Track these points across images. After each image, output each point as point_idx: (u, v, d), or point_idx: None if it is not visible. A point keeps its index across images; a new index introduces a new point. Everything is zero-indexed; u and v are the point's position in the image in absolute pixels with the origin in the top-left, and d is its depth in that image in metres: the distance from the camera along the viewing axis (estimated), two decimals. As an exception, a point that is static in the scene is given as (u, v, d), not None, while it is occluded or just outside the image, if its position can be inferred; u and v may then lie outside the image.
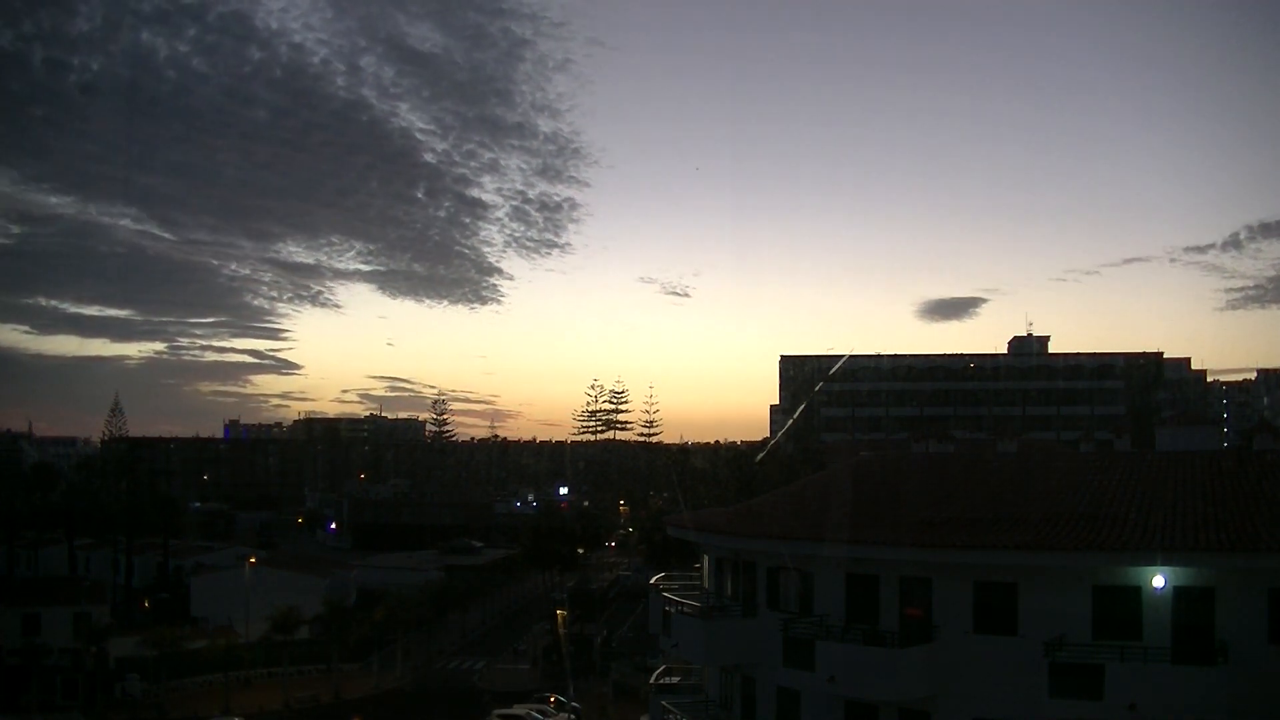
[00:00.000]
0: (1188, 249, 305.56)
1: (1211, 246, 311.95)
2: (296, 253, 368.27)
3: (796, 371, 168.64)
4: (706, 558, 40.31)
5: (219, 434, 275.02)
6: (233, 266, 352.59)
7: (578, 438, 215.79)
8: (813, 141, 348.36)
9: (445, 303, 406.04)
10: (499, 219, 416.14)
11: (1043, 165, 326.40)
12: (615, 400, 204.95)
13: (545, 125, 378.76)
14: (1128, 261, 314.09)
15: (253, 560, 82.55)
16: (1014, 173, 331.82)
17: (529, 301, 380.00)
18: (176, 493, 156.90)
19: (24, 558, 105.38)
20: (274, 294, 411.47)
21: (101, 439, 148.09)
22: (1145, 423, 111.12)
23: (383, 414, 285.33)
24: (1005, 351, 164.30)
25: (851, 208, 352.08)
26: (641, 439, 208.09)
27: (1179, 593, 26.71)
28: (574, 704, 62.12)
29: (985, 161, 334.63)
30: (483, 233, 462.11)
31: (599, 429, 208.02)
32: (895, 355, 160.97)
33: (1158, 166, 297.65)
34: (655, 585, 41.24)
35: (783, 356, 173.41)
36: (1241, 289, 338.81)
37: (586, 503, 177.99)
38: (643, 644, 73.91)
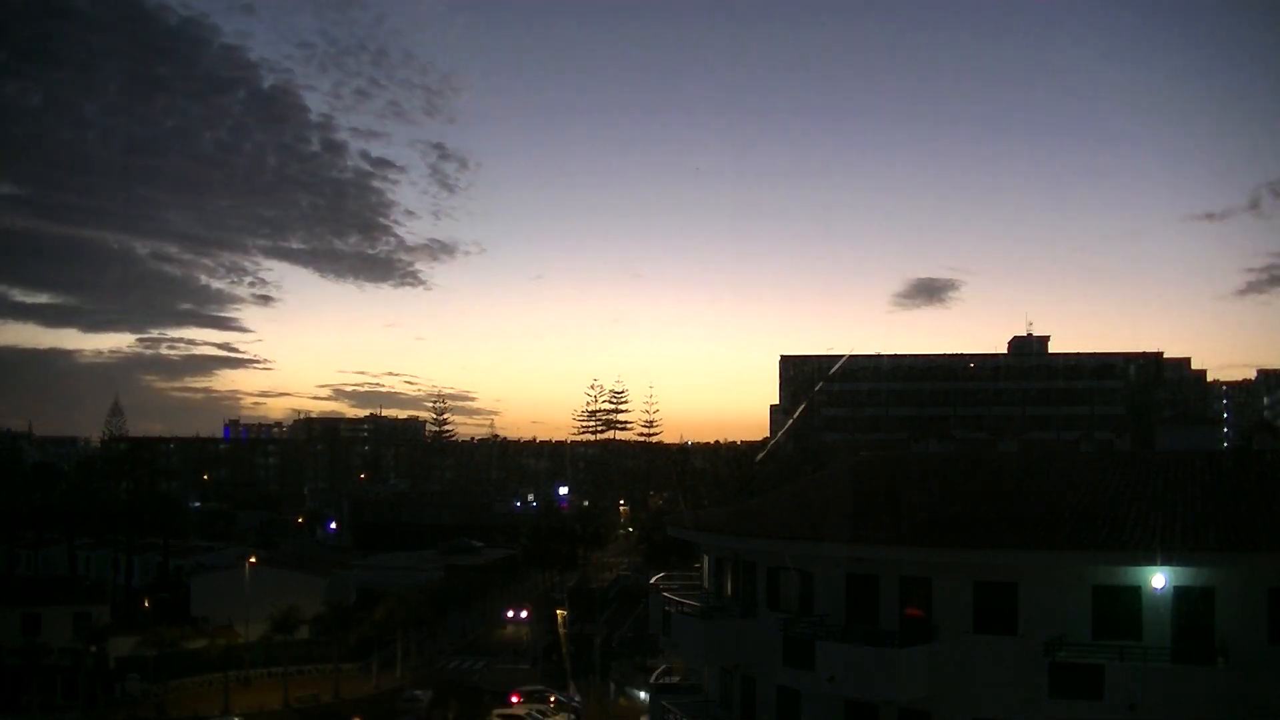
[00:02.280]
0: (1199, 217, 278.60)
1: (1229, 213, 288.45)
2: (203, 229, 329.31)
3: (796, 371, 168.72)
4: (706, 558, 40.31)
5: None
6: (172, 250, 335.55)
7: (578, 438, 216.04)
8: (793, 111, 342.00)
9: (386, 286, 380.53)
10: (416, 183, 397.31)
11: (1033, 126, 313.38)
12: (615, 400, 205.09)
13: (439, 59, 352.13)
14: (1131, 233, 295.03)
15: (253, 560, 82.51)
16: (1002, 136, 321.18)
17: (475, 286, 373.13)
18: (176, 493, 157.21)
19: (24, 558, 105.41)
20: (232, 278, 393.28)
21: (101, 439, 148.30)
22: (1145, 423, 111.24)
23: (382, 413, 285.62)
24: (1005, 351, 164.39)
25: (837, 189, 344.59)
26: (641, 439, 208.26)
27: (1179, 593, 26.73)
28: (575, 702, 62.21)
29: (973, 128, 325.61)
30: (402, 200, 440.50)
31: (599, 429, 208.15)
32: (895, 355, 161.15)
33: (1163, 121, 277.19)
34: (655, 585, 41.23)
35: (783, 356, 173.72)
36: (1265, 267, 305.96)
37: (586, 503, 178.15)
38: (643, 644, 73.92)
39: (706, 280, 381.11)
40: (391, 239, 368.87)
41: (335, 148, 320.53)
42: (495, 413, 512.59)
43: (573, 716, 61.15)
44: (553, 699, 64.08)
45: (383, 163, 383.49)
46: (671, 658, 48.16)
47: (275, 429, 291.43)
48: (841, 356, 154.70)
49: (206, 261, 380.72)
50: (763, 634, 32.49)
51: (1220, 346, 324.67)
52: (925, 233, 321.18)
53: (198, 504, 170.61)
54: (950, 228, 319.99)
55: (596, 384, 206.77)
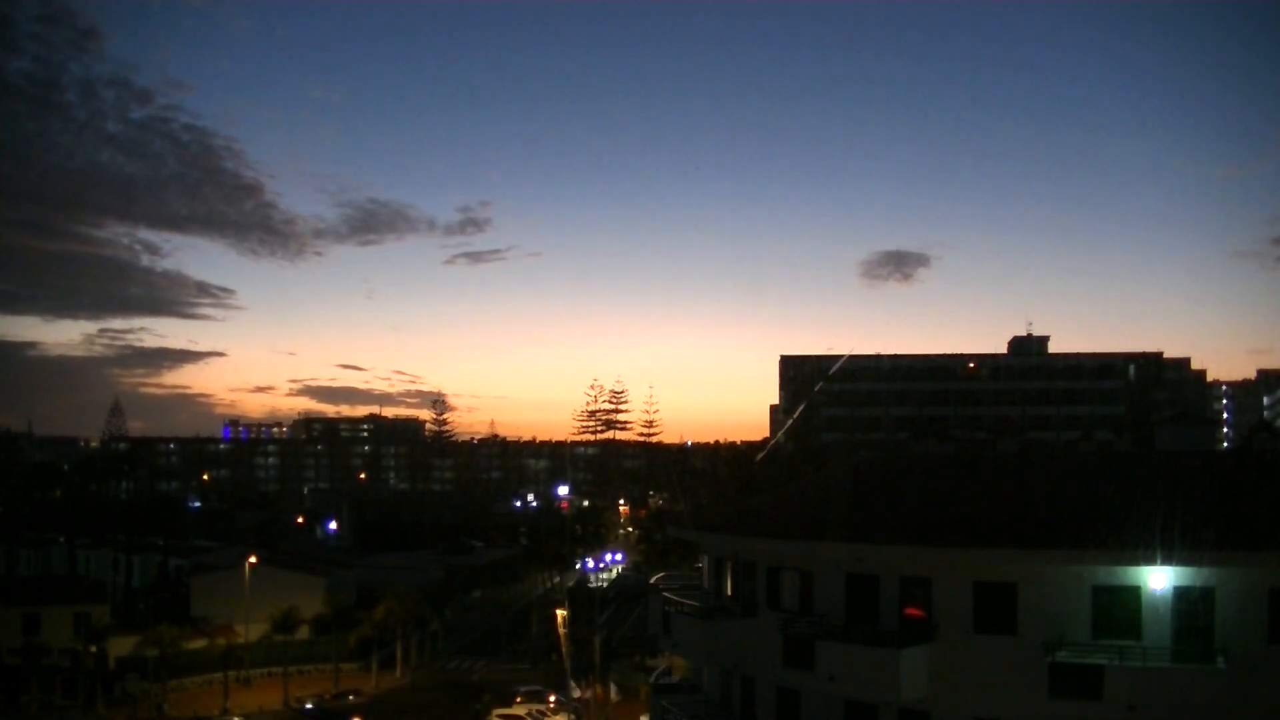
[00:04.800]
0: (1222, 167, 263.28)
1: (1259, 157, 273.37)
2: (66, 194, 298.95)
3: (796, 371, 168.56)
4: (706, 557, 40.32)
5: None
6: (44, 218, 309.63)
7: (577, 438, 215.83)
8: (786, 100, 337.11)
9: (308, 265, 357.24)
10: (296, 136, 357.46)
11: (1023, 98, 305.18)
12: (615, 400, 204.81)
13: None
14: (1142, 183, 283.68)
15: (253, 560, 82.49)
16: (991, 110, 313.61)
17: (413, 269, 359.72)
18: (176, 493, 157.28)
19: (24, 558, 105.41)
20: (177, 261, 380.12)
21: (101, 439, 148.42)
22: (1145, 423, 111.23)
23: (383, 414, 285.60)
24: (1005, 351, 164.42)
25: (831, 177, 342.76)
26: (641, 439, 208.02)
27: (1179, 593, 26.74)
28: (574, 706, 62.22)
29: (957, 102, 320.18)
30: (272, 160, 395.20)
31: (599, 429, 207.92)
32: (895, 355, 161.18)
33: (1169, 71, 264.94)
34: (655, 585, 41.25)
35: (783, 356, 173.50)
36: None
37: (586, 502, 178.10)
38: (643, 644, 73.89)
39: (706, 280, 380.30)
40: (285, 206, 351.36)
41: (176, 85, 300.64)
42: (471, 409, 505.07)
43: (573, 716, 61.16)
44: (552, 699, 64.10)
45: (238, 106, 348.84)
46: (671, 657, 48.14)
47: (275, 429, 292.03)
48: (841, 356, 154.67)
49: (89, 231, 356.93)
50: (763, 634, 32.49)
51: (1221, 345, 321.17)
52: (917, 216, 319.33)
53: (198, 504, 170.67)
54: (935, 208, 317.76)
55: (596, 384, 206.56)
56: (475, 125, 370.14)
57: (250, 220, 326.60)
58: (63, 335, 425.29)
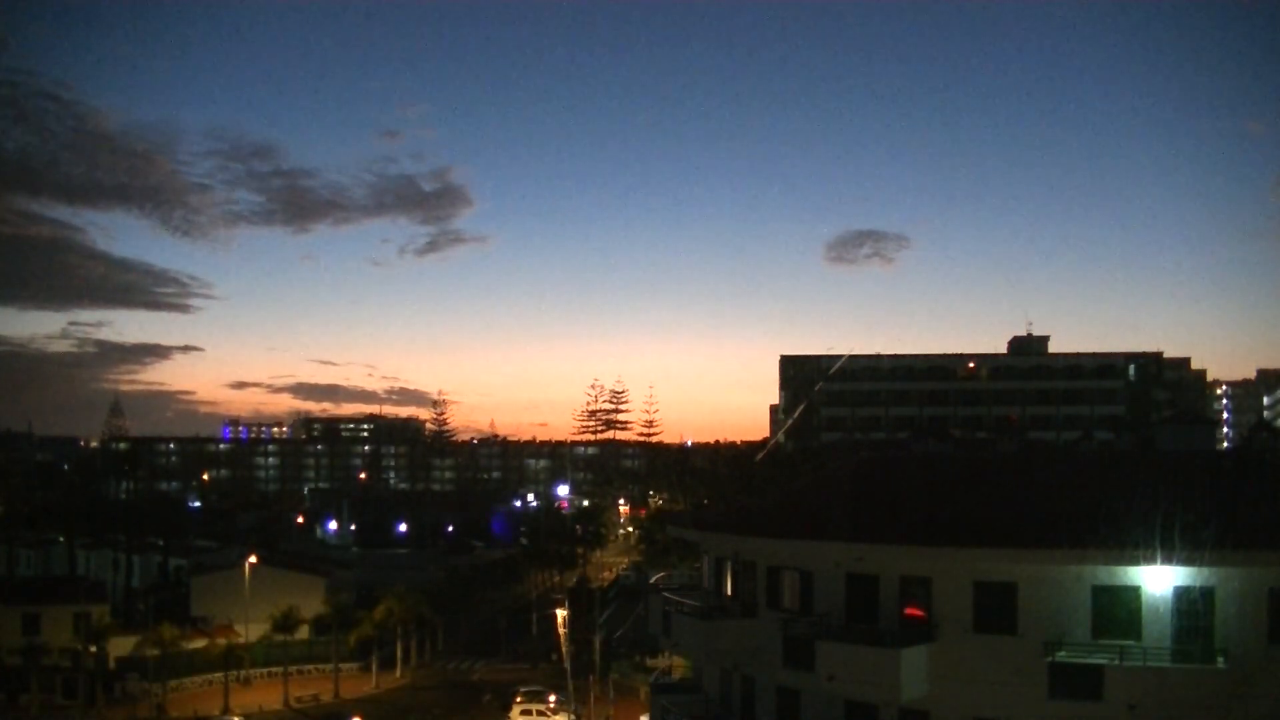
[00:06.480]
0: (1240, 123, 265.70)
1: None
2: None
3: (796, 371, 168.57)
4: (706, 557, 40.32)
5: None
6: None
7: (578, 437, 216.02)
8: (787, 99, 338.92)
9: (274, 253, 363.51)
10: (209, 101, 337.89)
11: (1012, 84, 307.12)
12: (615, 400, 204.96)
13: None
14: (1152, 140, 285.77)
15: (253, 560, 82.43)
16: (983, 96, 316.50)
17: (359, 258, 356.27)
18: (176, 493, 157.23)
19: (24, 558, 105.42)
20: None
21: (101, 439, 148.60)
22: (1145, 423, 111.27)
23: (383, 414, 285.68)
24: (1005, 351, 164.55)
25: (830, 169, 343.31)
26: (641, 439, 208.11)
27: (1179, 593, 26.74)
28: (573, 707, 62.24)
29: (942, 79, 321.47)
30: (175, 123, 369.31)
31: (599, 429, 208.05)
32: (895, 355, 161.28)
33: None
34: (655, 585, 41.25)
35: (783, 356, 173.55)
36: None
37: (586, 502, 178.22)
38: (643, 644, 73.88)
39: (706, 278, 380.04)
40: (219, 183, 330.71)
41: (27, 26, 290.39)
42: (458, 404, 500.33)
43: (573, 716, 61.16)
44: (552, 699, 64.10)
45: (109, 50, 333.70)
46: (671, 657, 48.13)
47: (275, 429, 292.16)
48: (841, 356, 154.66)
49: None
50: (763, 634, 32.49)
51: (1227, 341, 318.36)
52: (904, 199, 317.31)
53: (197, 504, 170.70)
54: (923, 190, 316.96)
55: (597, 383, 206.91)
56: (459, 115, 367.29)
57: (165, 196, 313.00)
58: (32, 328, 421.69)
